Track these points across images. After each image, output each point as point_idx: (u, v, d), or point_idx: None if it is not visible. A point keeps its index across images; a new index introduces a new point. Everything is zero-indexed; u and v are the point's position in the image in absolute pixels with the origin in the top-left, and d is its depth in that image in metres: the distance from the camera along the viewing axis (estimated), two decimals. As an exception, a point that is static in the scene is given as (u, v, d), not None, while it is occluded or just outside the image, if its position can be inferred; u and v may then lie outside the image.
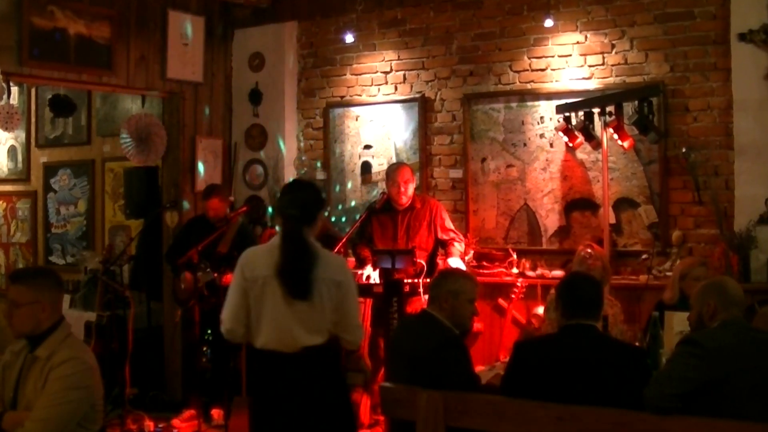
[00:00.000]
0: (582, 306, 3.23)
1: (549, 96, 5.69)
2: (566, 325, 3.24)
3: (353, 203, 6.49)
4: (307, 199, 3.41)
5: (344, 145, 6.53)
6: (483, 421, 3.20)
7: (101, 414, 3.12)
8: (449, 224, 5.59)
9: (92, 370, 3.04)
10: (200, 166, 6.55)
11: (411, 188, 5.51)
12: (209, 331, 5.67)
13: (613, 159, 5.43)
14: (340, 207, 6.54)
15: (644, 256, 5.29)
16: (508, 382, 3.28)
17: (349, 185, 6.51)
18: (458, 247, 5.46)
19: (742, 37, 5.00)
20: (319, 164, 6.60)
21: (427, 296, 3.72)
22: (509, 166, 5.87)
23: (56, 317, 3.11)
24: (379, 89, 6.38)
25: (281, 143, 6.66)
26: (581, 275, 3.80)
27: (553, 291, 4.66)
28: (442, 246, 5.51)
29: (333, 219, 6.49)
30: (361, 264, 5.54)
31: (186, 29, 6.34)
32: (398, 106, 6.28)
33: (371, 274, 5.37)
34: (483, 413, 3.20)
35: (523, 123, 5.81)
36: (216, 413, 5.69)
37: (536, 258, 5.69)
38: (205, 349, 5.70)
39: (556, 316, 3.37)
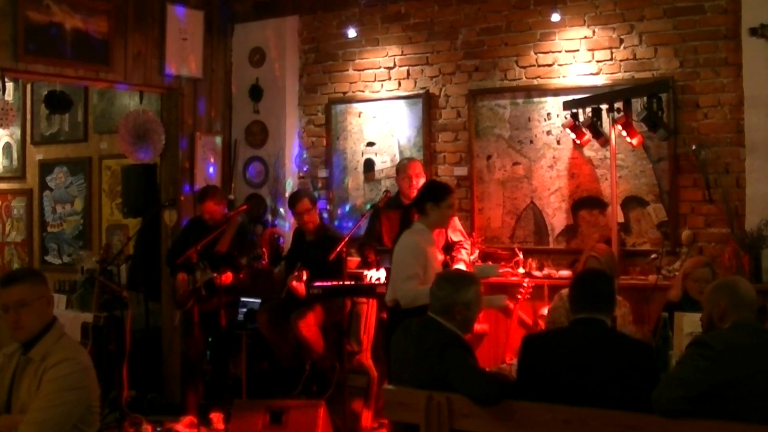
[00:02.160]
0: (590, 300, 3.25)
1: (556, 92, 5.62)
2: (575, 320, 3.26)
3: (356, 202, 6.42)
4: (420, 192, 4.75)
5: (346, 142, 6.46)
6: (488, 424, 3.19)
7: (97, 416, 3.06)
8: (459, 225, 5.53)
9: (87, 371, 2.97)
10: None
11: (422, 183, 5.45)
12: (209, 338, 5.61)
13: (621, 156, 5.36)
14: (342, 206, 6.46)
15: (653, 256, 5.22)
16: (521, 376, 3.29)
17: (352, 183, 6.43)
18: (464, 255, 5.39)
19: (754, 31, 4.93)
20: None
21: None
22: (515, 163, 5.79)
23: (50, 316, 3.03)
24: (382, 85, 6.32)
25: (282, 140, 6.58)
26: (595, 271, 3.86)
27: (557, 294, 4.63)
28: (449, 249, 5.42)
29: (336, 217, 6.43)
30: (367, 266, 5.45)
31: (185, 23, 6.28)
32: (402, 102, 6.21)
33: (374, 275, 5.27)
34: (488, 416, 3.19)
35: (529, 119, 5.74)
36: (215, 417, 5.61)
37: (543, 258, 5.62)
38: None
39: (567, 312, 3.44)
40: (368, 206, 6.03)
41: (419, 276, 4.41)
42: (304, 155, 6.61)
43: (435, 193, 4.62)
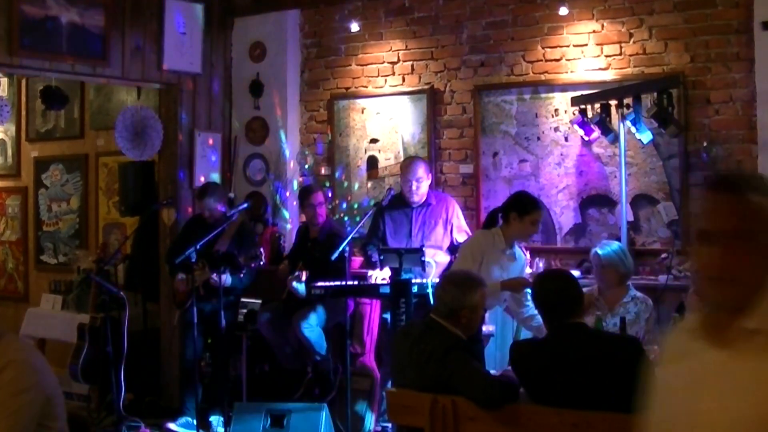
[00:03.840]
0: (564, 306, 3.26)
1: (564, 87, 5.53)
2: (555, 327, 3.27)
3: (359, 200, 6.33)
4: (508, 199, 4.70)
5: (349, 139, 6.37)
6: (494, 427, 3.18)
7: (62, 407, 2.86)
8: (464, 225, 5.44)
9: (33, 367, 2.73)
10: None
11: (424, 185, 5.34)
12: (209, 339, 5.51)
13: (630, 153, 5.26)
14: (345, 204, 6.37)
15: (663, 256, 5.13)
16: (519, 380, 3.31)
17: (355, 181, 6.35)
18: None
19: (766, 26, 4.84)
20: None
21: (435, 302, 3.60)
22: (522, 160, 5.71)
23: None
24: (385, 80, 6.22)
25: (283, 137, 6.49)
26: (554, 274, 3.89)
27: None
28: (454, 251, 5.31)
29: (337, 216, 6.33)
30: (371, 266, 5.37)
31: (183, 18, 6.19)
32: (406, 98, 6.12)
33: (378, 275, 5.18)
34: (494, 419, 3.17)
35: (536, 116, 5.65)
36: (215, 420, 5.53)
37: (551, 257, 5.52)
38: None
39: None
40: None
41: None
42: (306, 152, 6.52)
43: (522, 205, 4.55)
